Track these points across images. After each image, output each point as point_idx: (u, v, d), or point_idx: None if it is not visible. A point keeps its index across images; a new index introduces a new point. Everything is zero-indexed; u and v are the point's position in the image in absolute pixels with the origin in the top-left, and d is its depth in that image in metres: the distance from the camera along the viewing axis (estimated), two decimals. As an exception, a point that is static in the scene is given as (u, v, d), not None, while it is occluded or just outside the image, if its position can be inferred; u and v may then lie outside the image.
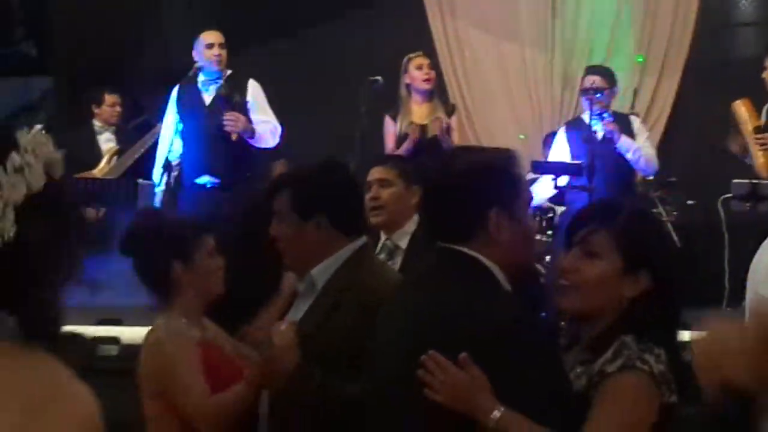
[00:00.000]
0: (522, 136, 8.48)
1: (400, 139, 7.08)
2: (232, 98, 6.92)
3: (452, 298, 2.53)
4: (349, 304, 3.03)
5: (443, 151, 6.82)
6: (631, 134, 7.24)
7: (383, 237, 4.65)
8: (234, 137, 6.90)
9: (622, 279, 2.36)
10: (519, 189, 2.64)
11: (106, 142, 8.37)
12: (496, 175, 2.61)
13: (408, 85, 7.03)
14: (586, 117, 7.43)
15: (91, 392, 1.21)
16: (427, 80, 7.09)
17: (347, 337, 2.93)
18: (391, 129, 7.15)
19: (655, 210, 7.42)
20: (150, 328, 3.19)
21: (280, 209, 3.15)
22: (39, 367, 1.21)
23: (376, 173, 4.62)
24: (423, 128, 7.02)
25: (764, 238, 3.19)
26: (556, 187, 7.16)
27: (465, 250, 2.43)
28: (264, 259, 3.65)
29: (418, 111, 7.04)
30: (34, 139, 1.23)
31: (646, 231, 2.57)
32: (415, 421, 2.38)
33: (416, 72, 6.99)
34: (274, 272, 3.59)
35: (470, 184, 2.57)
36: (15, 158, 1.19)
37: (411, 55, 7.21)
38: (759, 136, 6.96)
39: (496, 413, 2.22)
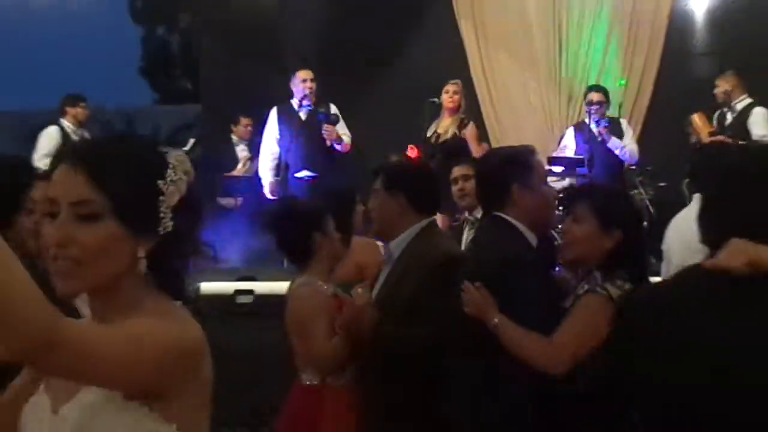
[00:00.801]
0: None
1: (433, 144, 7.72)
2: (329, 115, 7.62)
3: (483, 244, 3.33)
4: (414, 270, 3.37)
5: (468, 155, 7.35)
6: (620, 132, 7.84)
7: (467, 214, 5.17)
8: (328, 143, 7.57)
9: (599, 236, 2.77)
10: (533, 169, 3.17)
11: (242, 151, 9.27)
12: (515, 161, 3.20)
13: (438, 104, 7.68)
14: (588, 122, 7.88)
15: (187, 331, 1.50)
16: (451, 101, 7.71)
17: (412, 296, 3.27)
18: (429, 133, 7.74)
19: (636, 190, 8.00)
20: (286, 283, 3.65)
21: (375, 187, 3.57)
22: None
23: (460, 171, 5.22)
24: (437, 137, 7.67)
25: None
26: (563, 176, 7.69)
27: (498, 214, 3.07)
28: (347, 229, 3.98)
29: (444, 123, 7.67)
30: (178, 158, 1.55)
31: (615, 201, 2.95)
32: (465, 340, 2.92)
33: (445, 96, 7.68)
34: (349, 237, 3.95)
35: (497, 168, 3.25)
36: (171, 174, 1.53)
37: (450, 83, 7.82)
38: (713, 138, 7.48)
39: (495, 320, 2.77)
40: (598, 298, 2.69)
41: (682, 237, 4.10)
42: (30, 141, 8.52)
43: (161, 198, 1.50)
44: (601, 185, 3.29)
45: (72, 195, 1.46)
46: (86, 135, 8.26)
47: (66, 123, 8.33)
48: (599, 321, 2.58)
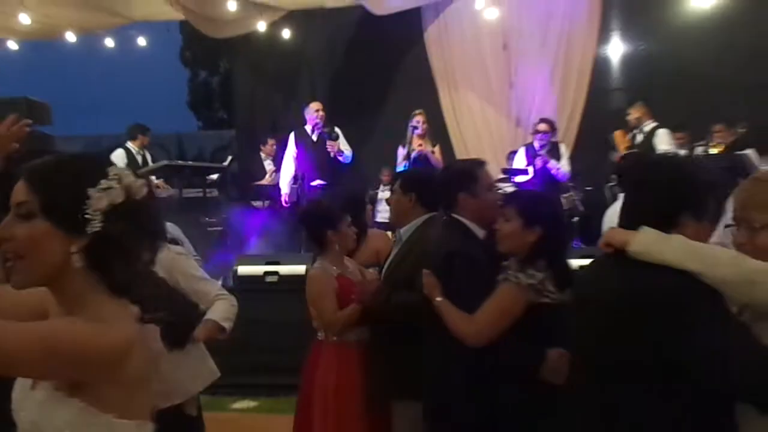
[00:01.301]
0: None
1: (405, 157, 7.70)
2: (331, 134, 7.60)
3: (437, 239, 3.21)
4: (415, 250, 3.35)
5: (433, 166, 7.45)
6: (558, 154, 7.70)
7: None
8: (332, 155, 7.52)
9: (523, 232, 2.67)
10: (478, 180, 3.09)
11: (268, 165, 9.02)
12: (462, 173, 3.17)
13: (414, 128, 7.62)
14: (534, 145, 7.68)
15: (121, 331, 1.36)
16: (421, 127, 7.65)
17: (411, 270, 3.20)
18: (401, 152, 7.73)
19: (569, 193, 7.73)
20: (303, 266, 3.83)
21: (394, 188, 3.62)
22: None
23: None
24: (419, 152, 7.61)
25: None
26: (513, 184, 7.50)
27: (453, 215, 3.06)
28: (361, 225, 4.01)
29: (415, 143, 7.61)
30: (117, 172, 1.43)
31: (536, 204, 2.84)
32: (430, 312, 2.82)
33: (419, 122, 7.62)
34: (365, 230, 3.98)
35: (447, 179, 3.24)
36: (104, 183, 1.42)
37: (414, 113, 7.77)
38: (630, 151, 7.38)
39: (438, 299, 2.75)
40: (509, 285, 2.62)
41: (612, 224, 3.93)
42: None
43: (88, 202, 1.42)
44: (527, 192, 3.11)
45: (16, 198, 1.42)
46: (148, 156, 8.33)
47: (131, 146, 8.20)
48: (508, 304, 2.59)
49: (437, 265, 2.91)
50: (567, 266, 2.76)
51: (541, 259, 2.62)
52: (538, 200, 2.93)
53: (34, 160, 1.52)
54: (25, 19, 8.37)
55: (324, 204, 4.26)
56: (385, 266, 3.52)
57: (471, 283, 2.78)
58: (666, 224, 1.87)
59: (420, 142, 7.65)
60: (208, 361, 3.06)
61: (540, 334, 2.60)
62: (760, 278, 1.78)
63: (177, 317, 2.49)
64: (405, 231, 3.44)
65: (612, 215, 4.39)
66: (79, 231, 1.39)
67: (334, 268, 3.37)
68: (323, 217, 3.49)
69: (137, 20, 9.60)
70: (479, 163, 3.27)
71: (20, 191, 1.42)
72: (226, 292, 3.12)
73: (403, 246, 3.43)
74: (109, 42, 10.26)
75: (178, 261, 3.02)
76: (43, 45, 10.17)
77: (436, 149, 7.77)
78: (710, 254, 1.83)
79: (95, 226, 1.40)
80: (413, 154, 7.64)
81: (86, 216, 1.39)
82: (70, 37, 9.45)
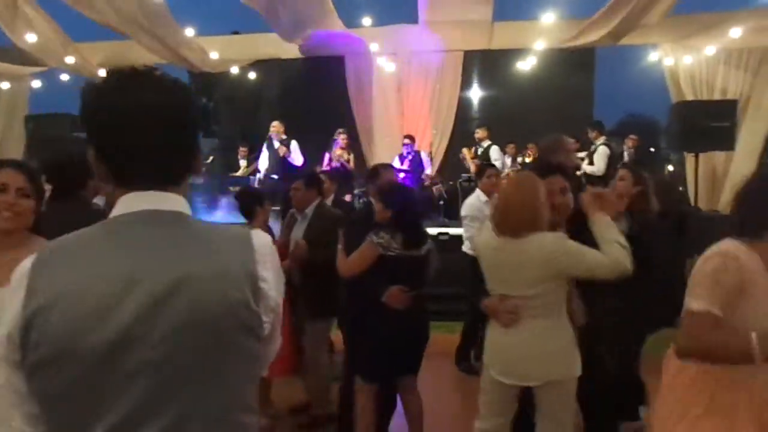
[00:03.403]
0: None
1: (328, 162, 8.08)
2: (281, 141, 7.93)
3: (335, 213, 3.39)
4: (318, 221, 3.46)
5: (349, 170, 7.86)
6: (420, 160, 8.35)
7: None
8: (281, 154, 7.84)
9: (384, 210, 2.73)
10: (380, 176, 3.18)
11: (242, 163, 9.50)
12: (371, 173, 3.32)
13: (336, 141, 8.17)
14: (403, 151, 8.16)
15: None
16: (346, 144, 8.28)
17: (320, 235, 3.31)
18: (326, 157, 8.23)
19: (438, 185, 8.58)
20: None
21: (299, 183, 3.55)
22: None
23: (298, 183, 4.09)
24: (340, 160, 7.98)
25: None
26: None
27: (365, 198, 3.10)
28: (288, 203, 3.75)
29: (337, 153, 8.14)
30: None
31: (390, 192, 2.82)
32: None
33: (340, 139, 8.23)
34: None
35: (366, 177, 3.34)
36: (44, 183, 1.68)
37: (338, 131, 8.37)
38: (474, 162, 8.19)
39: (339, 247, 2.82)
40: (367, 242, 2.70)
41: (468, 209, 4.47)
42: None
43: (45, 194, 1.77)
44: (390, 184, 2.93)
45: (18, 184, 1.69)
46: None
47: None
48: (365, 254, 2.69)
49: (338, 227, 3.05)
50: (415, 233, 2.76)
51: (394, 227, 2.70)
52: (393, 190, 2.88)
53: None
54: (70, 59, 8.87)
55: (255, 188, 4.23)
56: (299, 234, 3.51)
57: (350, 238, 2.86)
58: None
59: (340, 152, 8.22)
60: None
61: (385, 274, 2.69)
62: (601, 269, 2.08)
63: None
64: (309, 210, 3.58)
65: (468, 203, 4.52)
66: (41, 207, 1.73)
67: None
68: (254, 196, 3.43)
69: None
70: (384, 167, 3.49)
71: (22, 181, 1.70)
72: None
73: (311, 220, 3.55)
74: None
75: None
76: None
77: (351, 157, 8.38)
78: (608, 249, 2.11)
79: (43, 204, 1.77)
80: (334, 162, 8.16)
81: (43, 200, 1.77)
82: (102, 73, 9.51)
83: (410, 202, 2.82)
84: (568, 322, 2.23)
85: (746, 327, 1.43)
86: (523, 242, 2.17)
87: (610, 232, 2.11)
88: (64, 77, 9.53)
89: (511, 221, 2.21)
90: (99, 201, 2.85)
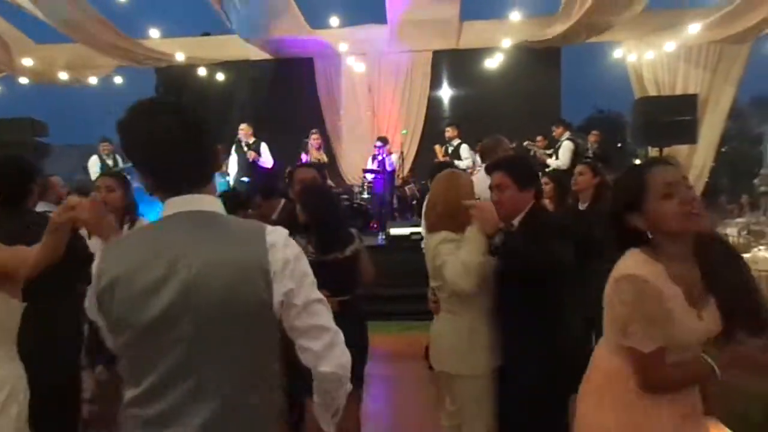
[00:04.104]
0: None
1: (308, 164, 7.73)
2: (250, 145, 7.97)
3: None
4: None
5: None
6: (391, 162, 8.33)
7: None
8: (250, 160, 7.90)
9: (301, 213, 2.66)
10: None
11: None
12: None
13: (308, 143, 8.20)
14: (375, 152, 8.04)
15: None
16: (319, 144, 8.34)
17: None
18: (304, 158, 8.21)
19: (410, 185, 8.65)
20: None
21: (256, 203, 3.47)
22: None
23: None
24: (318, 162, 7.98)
25: None
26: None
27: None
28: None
29: (315, 154, 8.21)
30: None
31: (308, 196, 2.75)
32: None
33: (314, 140, 8.28)
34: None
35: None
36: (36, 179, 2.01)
37: (312, 131, 8.40)
38: (444, 159, 8.05)
39: None
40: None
41: None
42: (86, 161, 8.53)
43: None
44: (309, 188, 2.87)
45: None
46: (119, 159, 8.30)
47: (102, 153, 8.32)
48: None
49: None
50: (329, 238, 2.63)
51: (308, 232, 2.61)
52: (309, 194, 2.81)
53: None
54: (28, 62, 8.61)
55: (237, 191, 4.28)
56: None
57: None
58: None
59: (318, 154, 8.31)
60: None
61: None
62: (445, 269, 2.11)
63: None
64: (274, 216, 3.49)
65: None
66: None
67: None
68: (236, 198, 3.43)
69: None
70: (302, 167, 3.54)
71: None
72: None
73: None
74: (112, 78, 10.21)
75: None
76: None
77: (324, 157, 8.46)
78: (465, 257, 2.08)
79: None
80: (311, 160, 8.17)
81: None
82: (63, 76, 9.49)
83: (324, 204, 2.74)
84: (481, 320, 2.20)
85: (675, 344, 1.40)
86: (429, 237, 2.26)
87: (465, 249, 2.08)
88: (24, 80, 9.36)
89: (427, 217, 2.30)
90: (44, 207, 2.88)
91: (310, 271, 1.21)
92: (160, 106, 1.16)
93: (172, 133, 1.12)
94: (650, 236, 1.44)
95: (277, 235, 1.18)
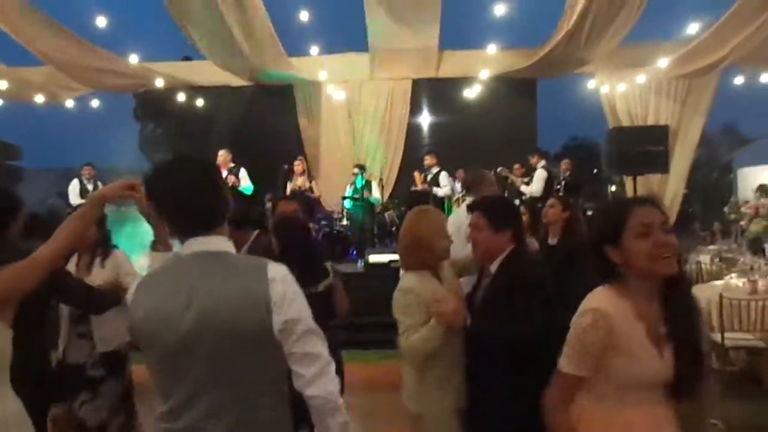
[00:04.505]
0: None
1: (297, 193, 8.09)
2: (232, 171, 7.95)
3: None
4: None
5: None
6: (371, 189, 8.42)
7: None
8: (231, 183, 7.75)
9: (276, 245, 2.66)
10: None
11: None
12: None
13: (293, 170, 8.27)
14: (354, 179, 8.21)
15: None
16: (302, 170, 8.35)
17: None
18: (288, 185, 8.21)
19: (389, 211, 8.58)
20: None
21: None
22: None
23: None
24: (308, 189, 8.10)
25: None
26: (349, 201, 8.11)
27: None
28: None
29: (299, 181, 8.24)
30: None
31: (283, 229, 2.78)
32: None
33: (297, 166, 8.32)
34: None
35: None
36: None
37: (298, 158, 8.53)
38: (423, 187, 8.30)
39: None
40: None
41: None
42: (62, 186, 8.53)
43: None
44: (282, 217, 2.98)
45: None
46: (99, 184, 8.31)
47: (83, 177, 8.40)
48: None
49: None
50: (311, 269, 2.62)
51: (284, 263, 2.62)
52: (284, 228, 2.83)
53: None
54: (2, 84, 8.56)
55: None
56: None
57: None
58: None
59: (302, 180, 8.35)
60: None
61: None
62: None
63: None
64: (245, 248, 3.20)
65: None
66: None
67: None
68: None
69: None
70: (287, 199, 3.45)
71: None
72: None
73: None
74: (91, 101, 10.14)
75: (119, 259, 2.95)
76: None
77: (313, 185, 8.50)
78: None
79: None
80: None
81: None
82: (39, 98, 9.45)
83: (299, 238, 2.72)
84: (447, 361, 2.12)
85: (622, 382, 1.43)
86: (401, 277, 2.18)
87: (422, 335, 2.08)
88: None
89: (398, 253, 2.25)
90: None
91: (305, 303, 1.37)
92: (185, 162, 1.39)
93: (194, 186, 1.34)
94: (622, 271, 1.46)
95: (276, 271, 1.35)
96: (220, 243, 1.39)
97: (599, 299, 1.45)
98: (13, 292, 1.51)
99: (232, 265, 1.36)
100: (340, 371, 2.63)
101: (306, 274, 2.28)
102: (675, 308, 1.44)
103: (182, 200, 1.35)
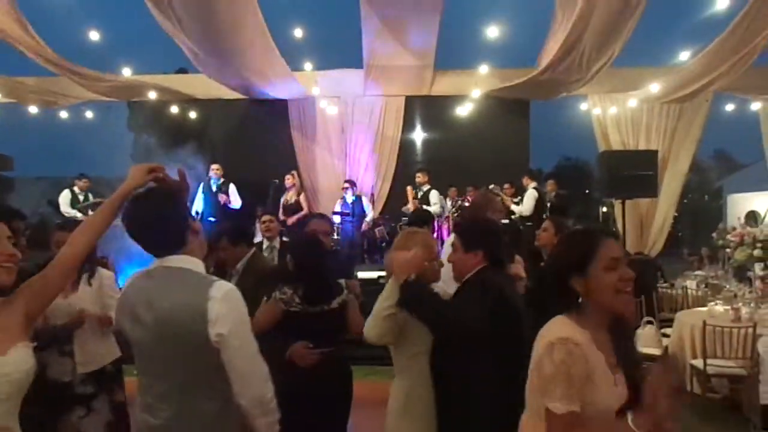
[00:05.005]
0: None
1: (285, 207, 8.22)
2: (220, 187, 8.06)
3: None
4: (246, 277, 3.27)
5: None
6: (363, 205, 8.41)
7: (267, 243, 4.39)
8: (222, 202, 7.98)
9: (289, 263, 2.69)
10: (306, 225, 3.19)
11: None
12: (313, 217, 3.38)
13: (284, 185, 8.24)
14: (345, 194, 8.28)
15: None
16: (292, 184, 8.34)
17: (246, 292, 2.44)
18: (281, 200, 8.27)
19: (380, 227, 8.58)
20: None
21: (222, 246, 3.38)
22: None
23: (268, 217, 4.49)
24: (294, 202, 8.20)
25: None
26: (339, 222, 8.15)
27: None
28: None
29: (290, 194, 8.24)
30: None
31: (295, 247, 2.85)
32: None
33: (288, 180, 8.34)
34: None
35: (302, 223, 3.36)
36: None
37: (292, 172, 8.51)
38: (416, 205, 8.12)
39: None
40: (271, 299, 2.64)
41: None
42: (53, 195, 8.53)
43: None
44: (297, 235, 2.64)
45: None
46: (90, 195, 8.29)
47: (75, 188, 8.30)
48: (269, 310, 2.62)
49: (267, 281, 2.97)
50: (324, 286, 2.65)
51: (297, 280, 2.61)
52: (298, 244, 2.92)
53: None
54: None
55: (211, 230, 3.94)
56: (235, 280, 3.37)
57: (267, 292, 2.77)
58: None
59: (291, 194, 8.40)
60: (113, 342, 3.00)
61: (291, 330, 2.58)
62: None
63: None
64: (240, 265, 3.45)
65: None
66: None
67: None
68: (211, 235, 3.29)
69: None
70: (320, 215, 3.60)
71: None
72: None
73: (246, 268, 3.45)
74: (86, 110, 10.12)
75: (104, 278, 2.99)
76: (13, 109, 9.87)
77: (301, 198, 8.56)
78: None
79: None
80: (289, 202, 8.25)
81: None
82: (32, 108, 9.47)
83: (313, 255, 2.71)
84: (420, 384, 2.15)
85: (588, 412, 1.38)
86: None
87: (380, 300, 2.10)
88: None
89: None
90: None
91: (242, 320, 1.59)
92: (149, 194, 1.65)
93: (154, 215, 1.61)
94: (580, 301, 1.46)
95: (217, 289, 1.56)
96: (182, 261, 1.64)
97: (562, 329, 1.42)
98: (45, 302, 1.56)
99: (184, 279, 1.60)
100: (346, 390, 2.73)
101: (319, 290, 2.59)
102: (622, 338, 1.47)
103: (149, 228, 1.61)
